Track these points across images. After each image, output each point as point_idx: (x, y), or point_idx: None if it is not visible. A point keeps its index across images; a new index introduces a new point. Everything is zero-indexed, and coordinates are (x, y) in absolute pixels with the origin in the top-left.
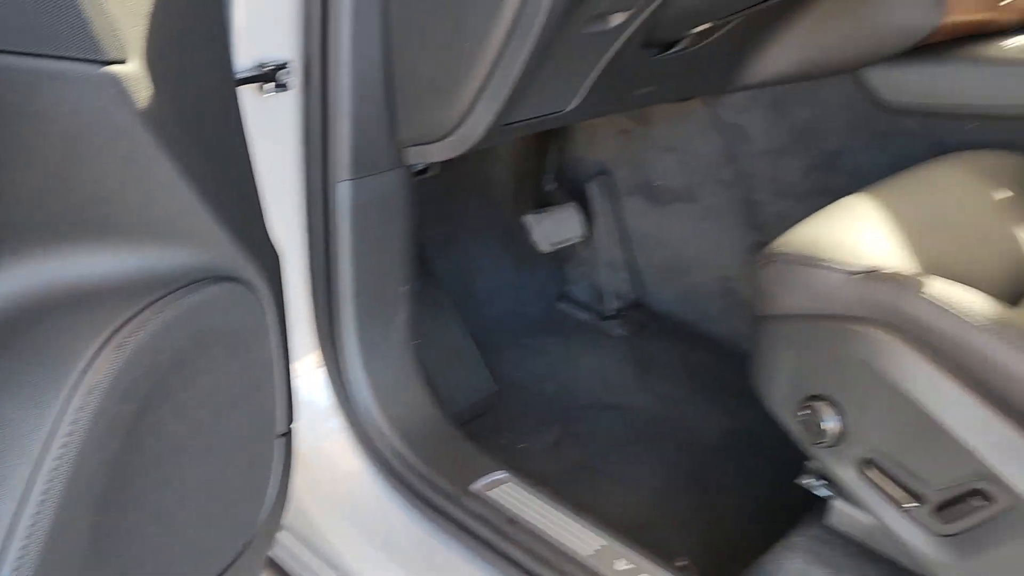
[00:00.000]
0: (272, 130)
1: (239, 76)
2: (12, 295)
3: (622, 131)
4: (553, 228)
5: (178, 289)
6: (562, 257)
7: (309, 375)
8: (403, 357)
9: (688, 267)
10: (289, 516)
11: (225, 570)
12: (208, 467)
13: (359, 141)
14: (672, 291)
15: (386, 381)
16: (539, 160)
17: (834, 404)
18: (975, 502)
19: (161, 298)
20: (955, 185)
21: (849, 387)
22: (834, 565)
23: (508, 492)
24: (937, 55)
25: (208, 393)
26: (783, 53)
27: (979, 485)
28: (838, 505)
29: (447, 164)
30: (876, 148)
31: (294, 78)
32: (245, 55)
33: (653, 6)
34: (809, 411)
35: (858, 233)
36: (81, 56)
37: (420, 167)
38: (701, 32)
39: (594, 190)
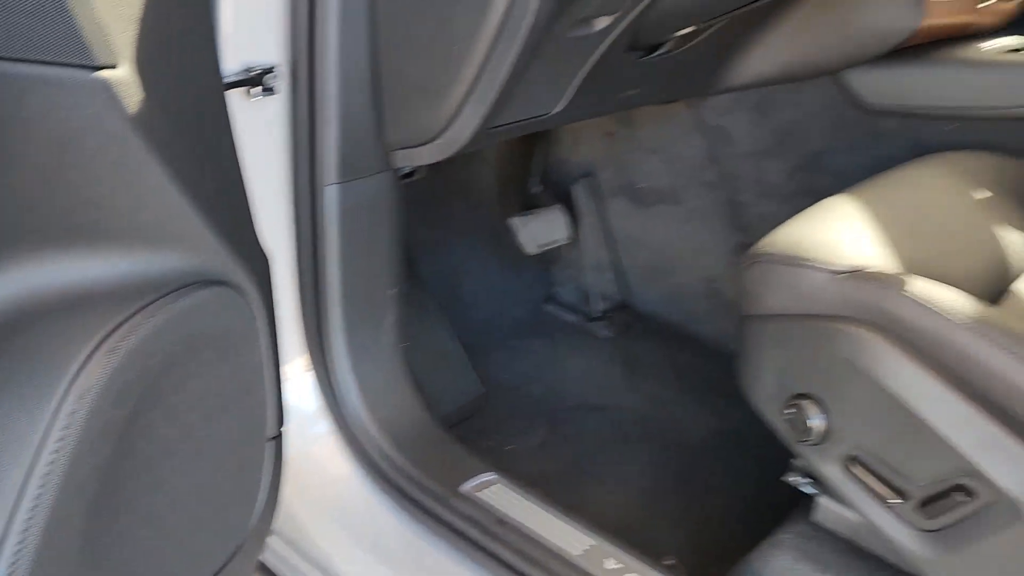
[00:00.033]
0: (260, 134)
1: (227, 80)
2: (4, 300)
3: (607, 133)
4: (539, 230)
5: (169, 293)
6: (548, 259)
7: (297, 378)
8: (391, 360)
9: (673, 268)
10: (278, 520)
11: (216, 574)
12: (199, 471)
13: (346, 145)
14: (658, 292)
15: (375, 384)
16: (525, 163)
17: (819, 402)
18: (958, 498)
19: (152, 302)
20: (935, 185)
21: (834, 385)
22: (821, 561)
23: (497, 493)
24: (917, 57)
25: (199, 397)
26: (765, 56)
27: (961, 481)
28: (824, 502)
29: (433, 167)
30: (858, 149)
31: (281, 82)
32: (232, 59)
33: (638, 10)
34: (795, 410)
35: (841, 233)
36: (72, 62)
37: (407, 170)
38: (685, 35)
39: (579, 192)
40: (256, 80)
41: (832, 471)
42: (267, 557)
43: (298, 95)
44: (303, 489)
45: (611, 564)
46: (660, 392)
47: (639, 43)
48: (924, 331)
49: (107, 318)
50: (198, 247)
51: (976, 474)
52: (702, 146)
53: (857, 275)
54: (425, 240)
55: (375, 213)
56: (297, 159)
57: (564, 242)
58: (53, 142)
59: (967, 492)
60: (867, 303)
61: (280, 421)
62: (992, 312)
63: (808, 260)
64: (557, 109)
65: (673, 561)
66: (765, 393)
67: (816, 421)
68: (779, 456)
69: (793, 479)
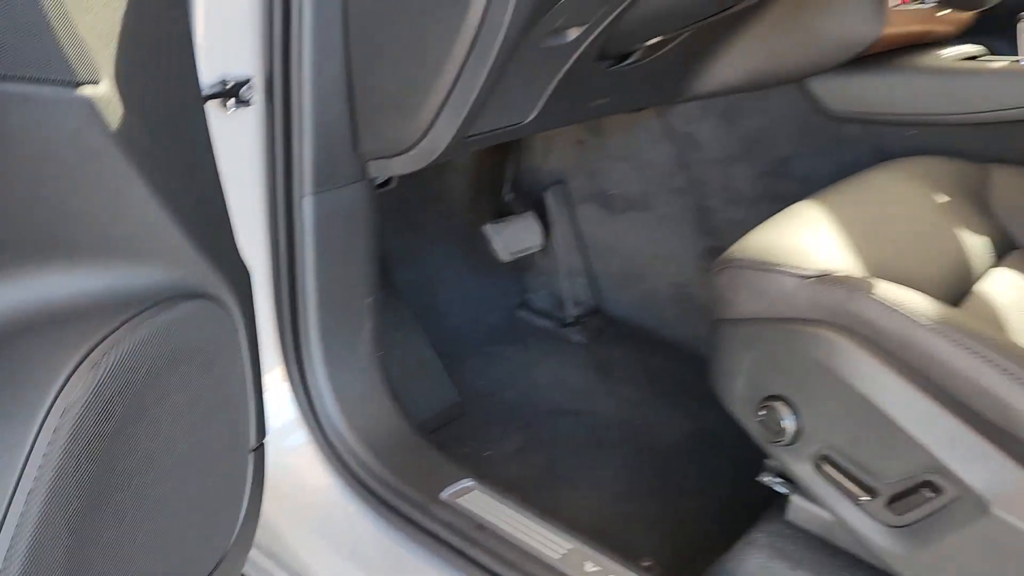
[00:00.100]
0: (235, 146)
1: (203, 93)
2: None
3: (577, 141)
4: (513, 237)
5: (151, 307)
6: (521, 266)
7: (274, 389)
8: (368, 369)
9: (644, 273)
10: (257, 532)
11: None
12: (182, 483)
13: (322, 155)
14: (629, 297)
15: (352, 393)
16: (497, 171)
17: (790, 404)
18: (925, 494)
19: (134, 316)
20: (897, 190)
21: (804, 387)
22: (794, 559)
23: (476, 499)
24: (878, 65)
25: (181, 410)
26: (731, 65)
27: (928, 477)
28: (797, 501)
29: (406, 176)
30: (822, 155)
31: (256, 94)
32: (208, 71)
33: (608, 20)
34: (767, 411)
35: (809, 238)
36: (54, 79)
37: (382, 179)
38: (653, 45)
39: (551, 199)
40: (232, 92)
41: (804, 471)
42: (247, 570)
43: (273, 107)
44: (281, 500)
45: (590, 567)
46: (633, 396)
47: (609, 52)
48: (890, 333)
49: (89, 332)
50: (179, 260)
51: (942, 470)
52: (671, 153)
53: (825, 279)
54: (399, 249)
55: (351, 223)
56: (273, 170)
57: (537, 249)
58: (33, 158)
59: (934, 488)
60: (835, 306)
61: (261, 432)
62: (955, 313)
63: (777, 265)
64: (530, 118)
65: (650, 562)
66: (738, 395)
67: (788, 422)
68: (752, 457)
69: (766, 479)
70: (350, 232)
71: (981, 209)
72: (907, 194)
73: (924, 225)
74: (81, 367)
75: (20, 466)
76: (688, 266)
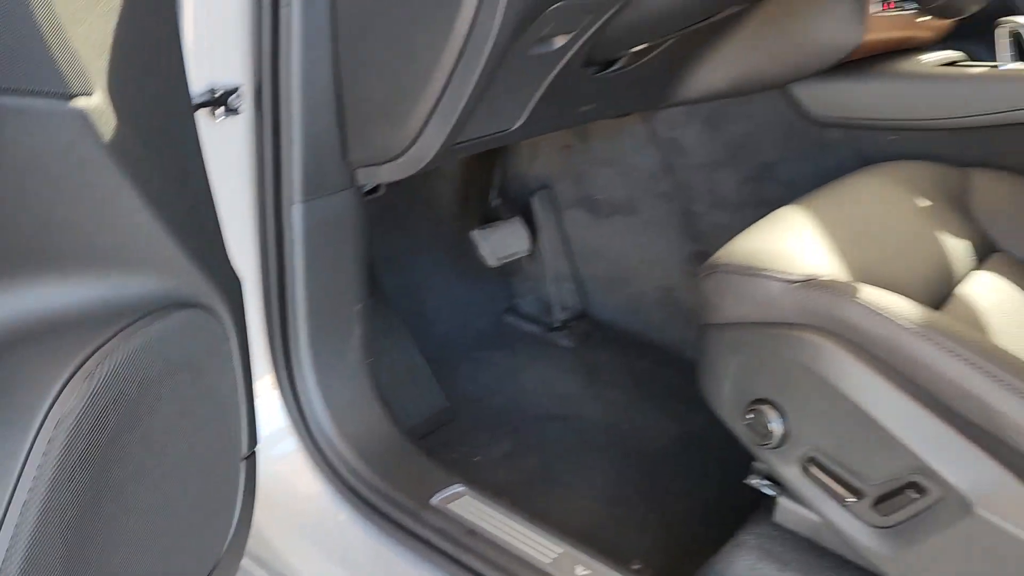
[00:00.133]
0: (224, 154)
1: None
2: None
3: (563, 146)
4: (500, 243)
5: (143, 317)
6: (508, 271)
7: (263, 397)
8: (358, 376)
9: (630, 277)
10: (248, 540)
11: None
12: (174, 491)
13: (311, 163)
14: (616, 301)
15: (341, 400)
16: (484, 176)
17: (777, 407)
18: (910, 495)
19: (127, 326)
20: (879, 195)
21: (791, 390)
22: (782, 560)
23: (466, 504)
24: (860, 71)
25: (173, 419)
26: (715, 71)
27: (913, 478)
28: (784, 503)
29: (394, 183)
30: (806, 159)
31: (245, 103)
32: (197, 80)
33: (593, 28)
34: (754, 414)
35: (794, 243)
36: (47, 91)
37: (370, 186)
38: (638, 52)
39: (538, 204)
40: (220, 101)
41: (791, 473)
42: None
43: (262, 115)
44: (272, 507)
45: (580, 571)
46: (621, 400)
47: (594, 59)
48: (875, 336)
49: (83, 343)
50: (172, 270)
51: (927, 472)
52: (656, 158)
53: (810, 284)
54: (387, 255)
55: (340, 230)
56: (262, 179)
57: (524, 254)
58: (28, 170)
59: (919, 489)
60: (821, 311)
61: (253, 440)
62: (938, 317)
63: (763, 270)
64: (517, 125)
65: (640, 565)
66: (726, 399)
67: (775, 425)
68: (739, 459)
69: (754, 481)
70: (339, 239)
71: (962, 213)
72: (890, 198)
73: (907, 229)
74: (75, 377)
75: (15, 476)
76: (674, 270)
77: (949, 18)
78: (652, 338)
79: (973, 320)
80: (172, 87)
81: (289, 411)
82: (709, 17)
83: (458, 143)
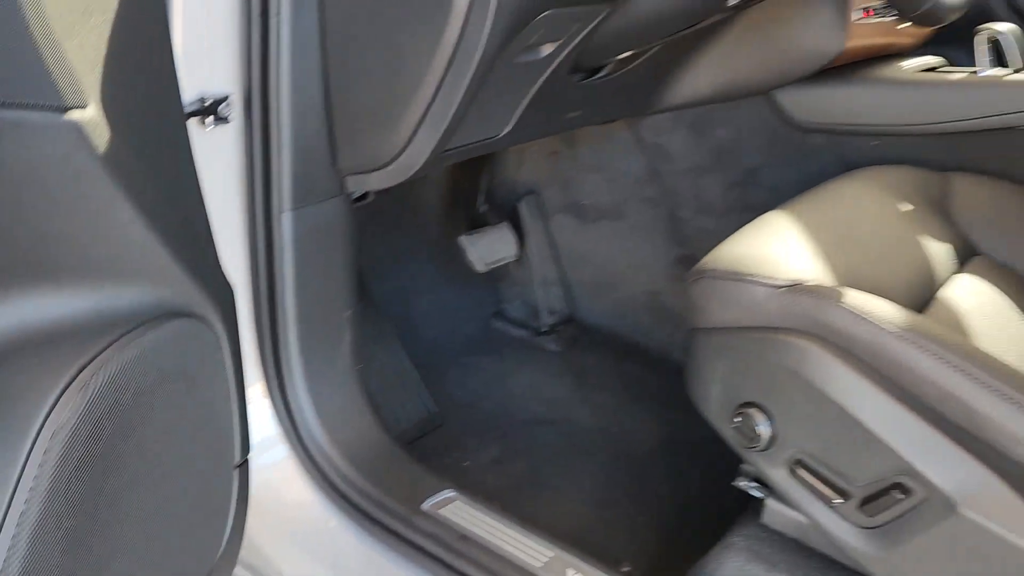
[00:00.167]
0: (214, 163)
1: None
2: None
3: (551, 152)
4: (488, 248)
5: (138, 327)
6: (495, 276)
7: (255, 405)
8: (348, 382)
9: (617, 282)
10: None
11: None
12: (169, 501)
13: (300, 171)
14: (603, 305)
15: (332, 407)
16: (471, 182)
17: (765, 410)
18: (895, 495)
19: (121, 336)
20: (862, 200)
21: (778, 393)
22: (770, 561)
23: (457, 509)
24: (842, 77)
25: (168, 428)
26: (700, 77)
27: (898, 479)
28: (772, 504)
29: (382, 189)
30: (789, 165)
31: (235, 111)
32: (186, 89)
33: (580, 36)
34: (742, 418)
35: (779, 249)
36: (43, 104)
37: (359, 193)
38: (624, 59)
39: (525, 210)
40: (210, 110)
41: (779, 475)
42: None
43: (252, 124)
44: (263, 514)
45: (571, 573)
46: (609, 403)
47: (581, 66)
48: (860, 340)
49: (77, 353)
50: (165, 279)
51: (912, 473)
52: (642, 164)
53: (796, 289)
54: (375, 261)
55: (330, 237)
56: (252, 187)
57: (512, 259)
58: (22, 182)
59: (904, 490)
60: (806, 315)
61: (246, 448)
62: (920, 320)
63: (750, 276)
64: (505, 131)
65: (629, 568)
66: (714, 402)
67: (763, 428)
68: (727, 462)
69: (742, 484)
70: (329, 246)
71: (943, 217)
72: (872, 203)
73: (889, 233)
74: (70, 388)
75: (12, 486)
76: (660, 274)
77: (929, 26)
78: (639, 342)
79: (955, 323)
80: (164, 97)
81: (280, 419)
82: (694, 25)
83: (447, 150)
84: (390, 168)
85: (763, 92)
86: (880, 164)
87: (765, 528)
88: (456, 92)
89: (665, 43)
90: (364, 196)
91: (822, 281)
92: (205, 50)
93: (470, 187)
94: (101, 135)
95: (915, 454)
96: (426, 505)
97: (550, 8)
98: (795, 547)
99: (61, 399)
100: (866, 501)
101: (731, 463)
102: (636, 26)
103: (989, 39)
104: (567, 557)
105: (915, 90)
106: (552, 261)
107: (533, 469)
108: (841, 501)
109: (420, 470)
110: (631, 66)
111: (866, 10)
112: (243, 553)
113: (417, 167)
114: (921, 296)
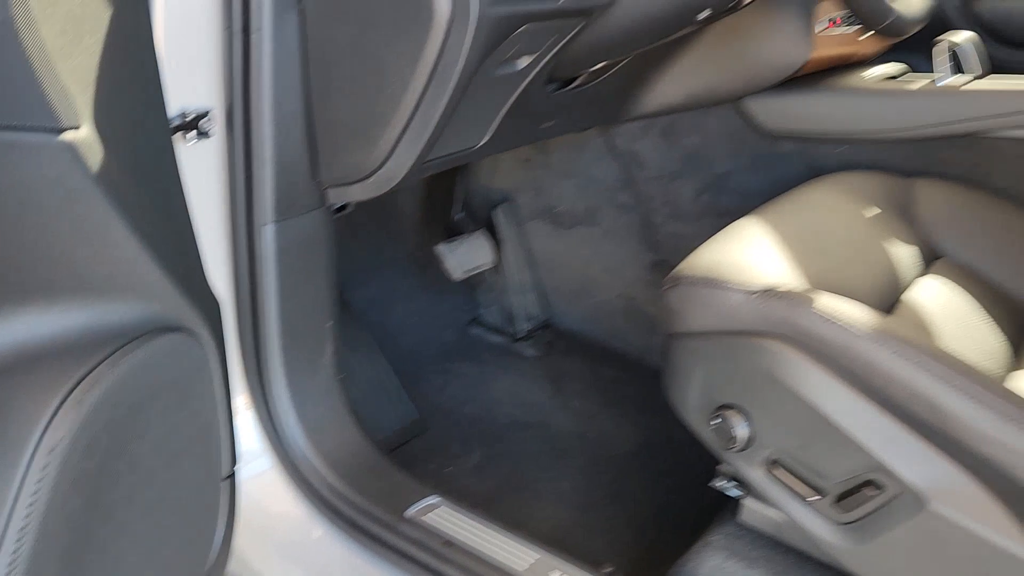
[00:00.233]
0: (196, 177)
1: None
2: None
3: (524, 160)
4: (465, 256)
5: (129, 342)
6: (472, 282)
7: (238, 417)
8: (331, 392)
9: (592, 287)
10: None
11: None
12: (160, 514)
13: (282, 184)
14: (579, 310)
15: (315, 417)
16: (446, 191)
17: (742, 412)
18: (868, 492)
19: (114, 352)
20: (831, 205)
21: (755, 395)
22: (749, 558)
23: (442, 515)
24: (808, 86)
25: (160, 442)
26: (671, 86)
27: (871, 476)
28: (749, 503)
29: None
30: (759, 171)
31: (216, 126)
32: (168, 104)
33: (556, 49)
34: (720, 420)
35: (752, 255)
36: (38, 126)
37: (339, 204)
38: (597, 70)
39: (500, 217)
40: (192, 124)
41: (756, 474)
42: None
43: (234, 138)
44: (248, 525)
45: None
46: (587, 407)
47: (556, 77)
48: (831, 342)
49: (71, 370)
50: (157, 295)
51: (883, 469)
52: (615, 170)
53: (769, 294)
54: (352, 270)
55: (311, 248)
56: (234, 200)
57: (488, 267)
58: (17, 203)
59: (876, 486)
60: (780, 319)
61: (233, 460)
62: (888, 322)
63: (724, 281)
64: (482, 142)
65: (611, 568)
66: (692, 405)
67: (740, 429)
68: (704, 462)
69: (719, 484)
70: (311, 258)
71: (907, 221)
72: (840, 208)
73: (857, 238)
74: (66, 404)
75: (11, 502)
76: (635, 279)
77: (891, 37)
78: (615, 346)
79: (921, 324)
80: (152, 115)
81: (264, 430)
82: (665, 37)
83: (426, 162)
84: (371, 180)
85: (732, 100)
86: (847, 170)
87: (742, 526)
88: (436, 105)
89: (637, 54)
90: (343, 207)
91: (794, 286)
92: (186, 65)
93: (446, 196)
94: (94, 155)
95: (886, 451)
96: (410, 512)
97: (528, 22)
98: (772, 544)
99: (57, 415)
100: (841, 498)
101: (708, 464)
102: (610, 38)
103: (948, 48)
104: (551, 559)
105: (878, 98)
106: (528, 267)
107: (514, 473)
108: (817, 498)
109: (403, 477)
110: (604, 76)
111: (832, 20)
112: (230, 565)
113: (398, 179)
114: (888, 298)
